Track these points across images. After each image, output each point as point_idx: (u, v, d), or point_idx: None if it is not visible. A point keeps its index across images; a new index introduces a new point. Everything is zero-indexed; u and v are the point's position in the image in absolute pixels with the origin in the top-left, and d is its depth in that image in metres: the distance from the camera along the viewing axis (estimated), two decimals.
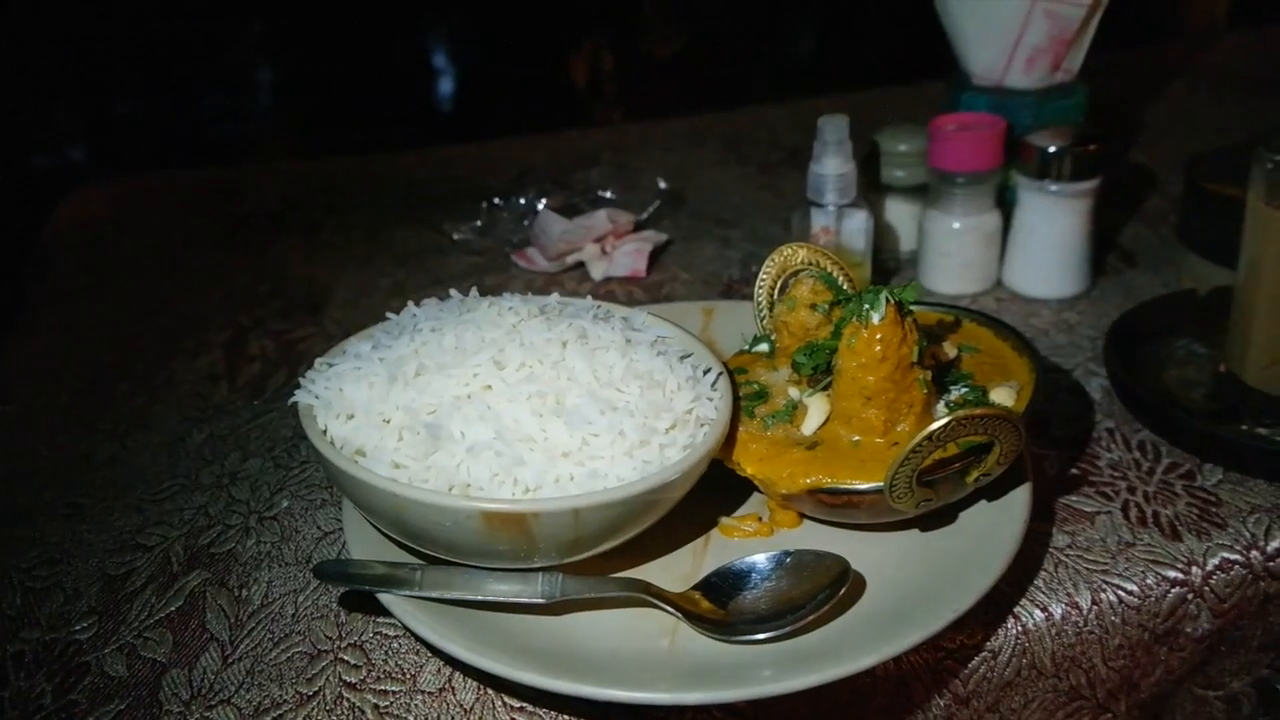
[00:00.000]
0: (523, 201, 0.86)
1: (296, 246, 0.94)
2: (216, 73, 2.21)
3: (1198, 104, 1.11)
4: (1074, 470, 0.59)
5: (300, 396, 0.50)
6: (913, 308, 0.59)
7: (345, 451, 0.47)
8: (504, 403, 0.48)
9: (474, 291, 0.59)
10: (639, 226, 0.88)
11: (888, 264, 0.82)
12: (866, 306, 0.49)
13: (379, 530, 0.51)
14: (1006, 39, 0.73)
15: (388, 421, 0.48)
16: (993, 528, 0.50)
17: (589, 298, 0.59)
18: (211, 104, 2.25)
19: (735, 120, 1.18)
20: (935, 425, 0.44)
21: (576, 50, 2.56)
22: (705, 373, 0.54)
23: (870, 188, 0.82)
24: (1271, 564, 0.52)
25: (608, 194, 0.88)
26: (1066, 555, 0.52)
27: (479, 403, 0.48)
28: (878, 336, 0.49)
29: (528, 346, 0.51)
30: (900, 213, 0.81)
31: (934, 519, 0.51)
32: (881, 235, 0.82)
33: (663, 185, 0.91)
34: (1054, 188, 0.72)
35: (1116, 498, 0.56)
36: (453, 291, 0.58)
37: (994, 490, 0.51)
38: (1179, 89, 1.15)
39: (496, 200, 0.87)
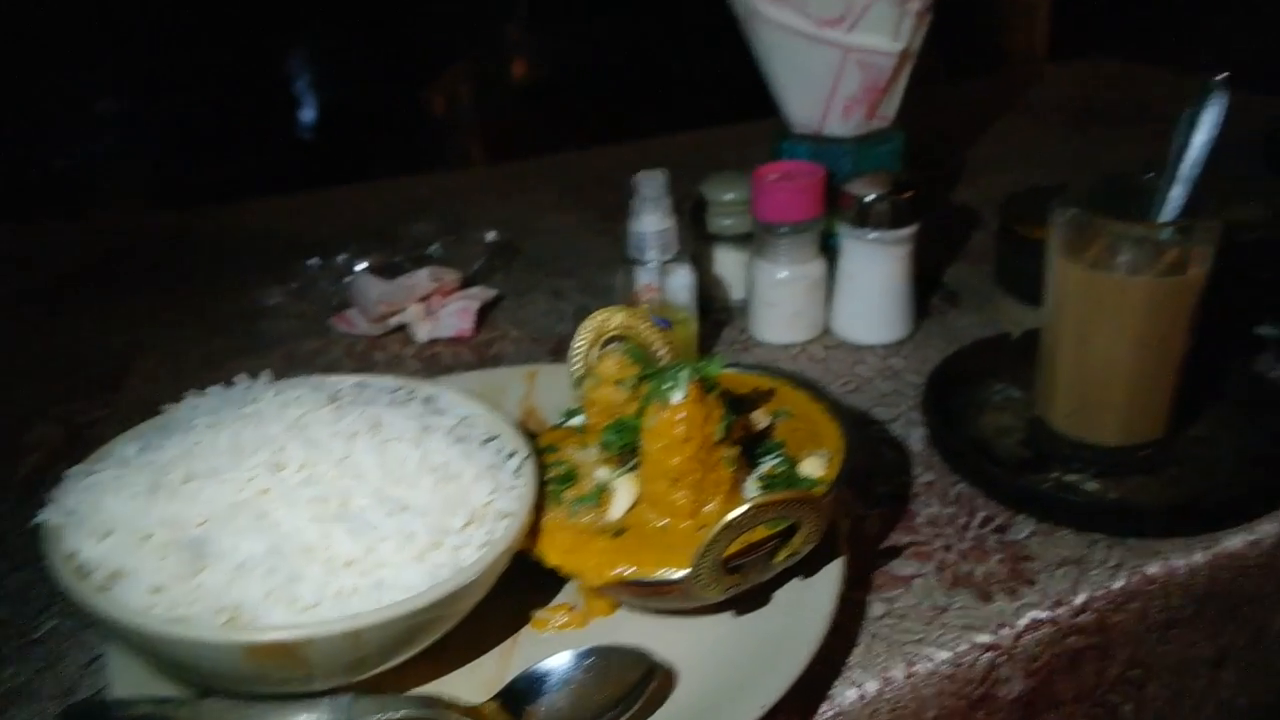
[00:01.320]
0: (340, 260, 0.82)
1: (91, 313, 0.87)
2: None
3: (1021, 137, 1.15)
4: (894, 530, 0.58)
5: (48, 515, 0.45)
6: (730, 371, 0.59)
7: (99, 576, 0.43)
8: (282, 509, 0.44)
9: (260, 380, 0.54)
10: (468, 282, 0.84)
11: (719, 315, 0.81)
12: (667, 386, 0.47)
13: None
14: (822, 89, 0.73)
15: (149, 538, 0.44)
16: (805, 607, 0.48)
17: (390, 378, 0.56)
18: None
19: (581, 161, 1.16)
20: (733, 514, 0.43)
21: (434, 83, 2.51)
22: (510, 457, 0.51)
23: (699, 237, 0.81)
24: (1078, 619, 0.53)
25: (434, 249, 0.85)
26: (882, 626, 0.52)
27: (253, 511, 0.44)
28: (679, 417, 0.47)
29: (311, 443, 0.47)
30: (730, 262, 0.80)
31: (749, 600, 0.50)
32: (712, 285, 0.81)
33: (491, 237, 0.88)
34: (873, 235, 0.72)
35: (932, 558, 0.56)
36: (262, 374, 0.54)
37: (808, 565, 0.50)
38: (1003, 123, 1.19)
39: (314, 260, 0.83)
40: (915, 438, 0.66)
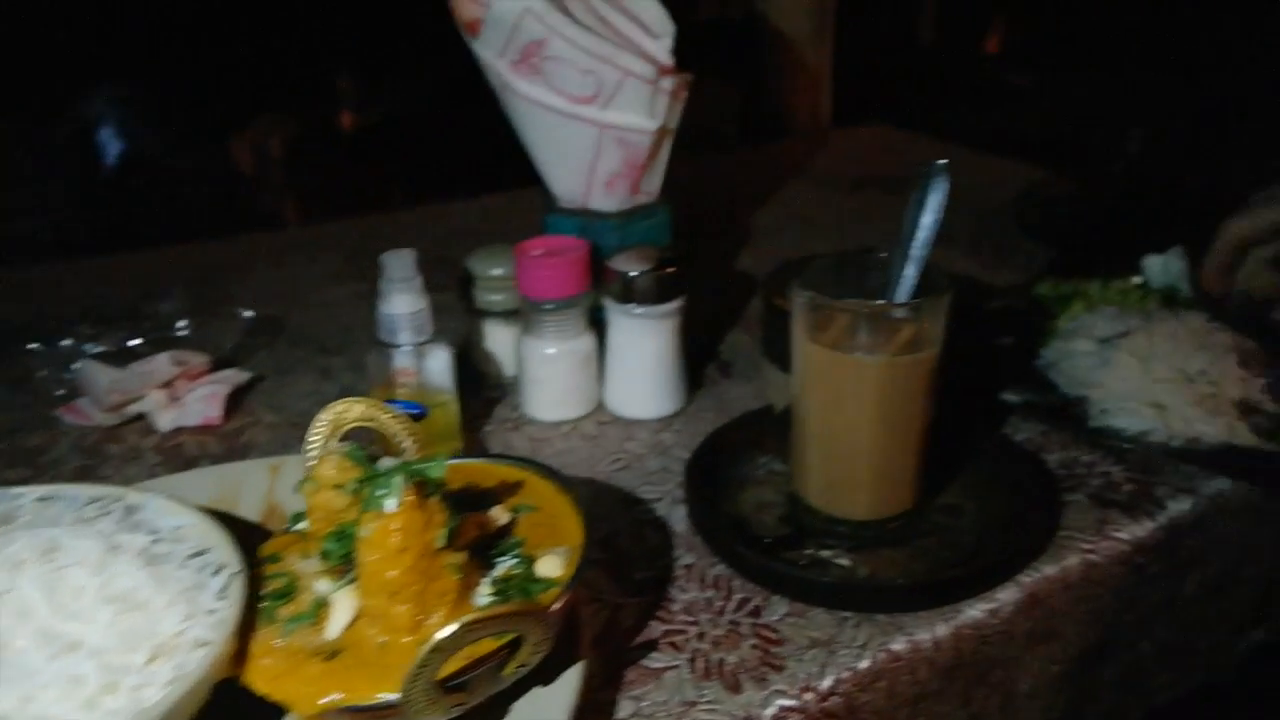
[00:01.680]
0: (65, 345, 0.75)
1: None
2: None
3: (802, 202, 1.19)
4: (651, 619, 0.57)
5: None
6: (475, 463, 0.56)
7: None
8: None
9: None
10: (221, 364, 0.79)
11: (491, 393, 0.78)
12: (380, 492, 0.44)
13: None
14: (582, 164, 0.73)
15: None
16: (541, 718, 0.46)
17: (87, 486, 0.51)
18: None
19: (365, 227, 1.12)
20: (439, 636, 0.40)
21: (239, 135, 2.39)
22: (216, 574, 0.47)
23: (469, 312, 0.78)
24: (826, 703, 0.52)
25: (181, 329, 0.79)
26: None
27: None
28: (394, 526, 0.44)
29: None
30: (500, 338, 0.78)
31: (484, 713, 0.47)
32: (483, 362, 0.79)
33: (248, 314, 0.83)
34: (638, 310, 0.72)
35: (686, 648, 0.54)
36: None
37: (546, 672, 0.47)
38: (787, 189, 1.23)
39: (34, 346, 0.76)
40: (678, 517, 0.65)
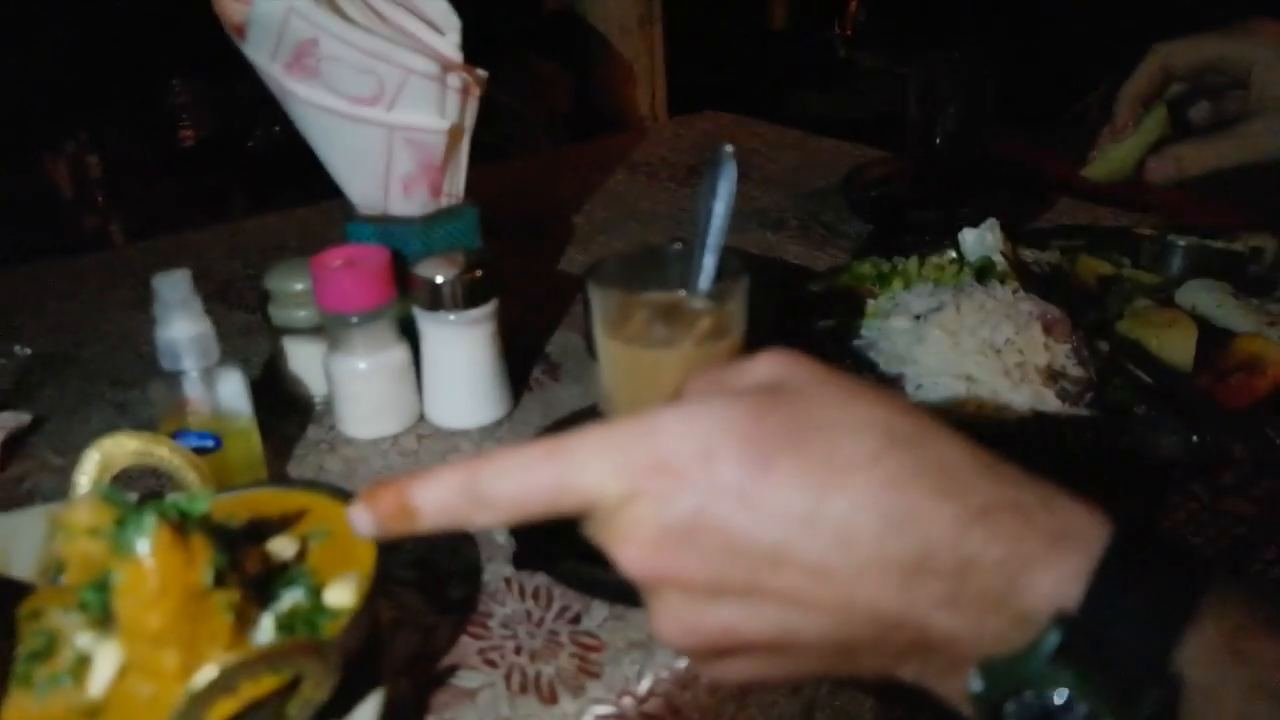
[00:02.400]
0: None
1: None
2: None
3: (635, 196, 1.18)
4: (465, 636, 0.54)
5: None
6: (262, 492, 0.53)
7: None
8: None
9: None
10: None
11: (301, 415, 0.74)
12: (130, 534, 0.41)
13: None
14: (375, 169, 0.70)
15: None
16: None
17: None
18: None
19: (165, 248, 1.06)
20: (195, 686, 0.37)
21: (54, 154, 2.24)
22: None
23: (271, 331, 0.74)
24: (645, 705, 0.51)
25: None
26: None
27: None
28: (150, 568, 0.41)
29: None
30: (307, 356, 0.74)
31: None
32: (290, 383, 0.75)
33: (23, 351, 0.76)
34: (450, 317, 0.69)
35: (502, 663, 0.52)
36: None
37: (342, 704, 0.45)
38: (619, 183, 1.22)
39: None
40: (500, 531, 0.62)
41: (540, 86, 1.80)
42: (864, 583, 0.34)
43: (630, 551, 0.37)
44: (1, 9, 1.82)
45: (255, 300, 0.91)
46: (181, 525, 0.42)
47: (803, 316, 0.80)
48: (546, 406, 0.76)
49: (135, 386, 0.79)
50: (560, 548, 0.59)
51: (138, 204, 2.23)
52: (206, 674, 0.37)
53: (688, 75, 1.84)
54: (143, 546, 0.40)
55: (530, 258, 1.02)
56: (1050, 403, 0.68)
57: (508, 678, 0.52)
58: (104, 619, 0.44)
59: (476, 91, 0.69)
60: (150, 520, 0.41)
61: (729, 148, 0.58)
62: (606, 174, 1.24)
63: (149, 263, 1.02)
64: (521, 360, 0.79)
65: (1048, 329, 0.73)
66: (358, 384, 0.70)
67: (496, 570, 0.59)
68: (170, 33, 2.15)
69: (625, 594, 0.56)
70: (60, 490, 0.67)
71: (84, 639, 0.44)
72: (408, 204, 0.72)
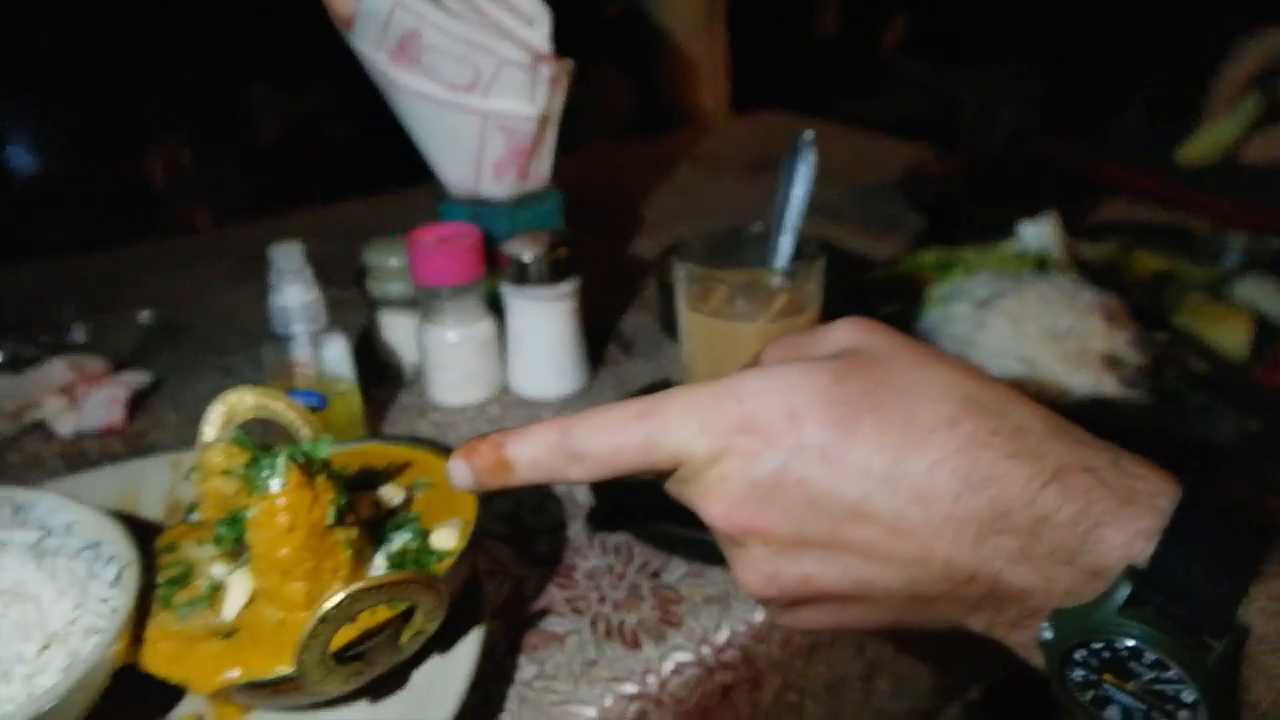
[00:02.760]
0: None
1: None
2: None
3: (699, 189, 1.21)
4: (552, 586, 0.58)
5: None
6: (370, 445, 0.57)
7: None
8: None
9: None
10: (120, 368, 0.78)
11: (394, 382, 0.79)
12: (264, 474, 0.45)
13: None
14: (469, 153, 0.74)
15: None
16: (442, 684, 0.47)
17: None
18: None
19: (260, 231, 1.11)
20: (325, 607, 0.41)
21: (152, 150, 2.34)
22: (108, 564, 0.47)
23: (368, 303, 0.79)
24: (723, 655, 0.54)
25: (76, 335, 0.78)
26: (533, 689, 0.51)
27: None
28: (281, 504, 0.45)
29: None
30: (399, 327, 0.79)
31: (386, 683, 0.48)
32: (385, 352, 0.80)
33: (145, 318, 0.82)
34: (535, 292, 0.73)
35: (587, 612, 0.56)
36: None
37: (445, 640, 0.49)
38: (684, 176, 1.25)
39: None
40: (582, 491, 0.66)
41: (600, 94, 1.84)
42: (940, 538, 0.36)
43: (717, 506, 0.39)
44: (107, 18, 1.92)
45: (347, 277, 0.96)
46: (308, 468, 0.46)
47: (866, 302, 0.83)
48: (621, 381, 0.80)
49: (239, 353, 0.85)
50: (641, 507, 0.63)
51: (222, 197, 2.33)
52: (336, 597, 0.41)
53: (739, 77, 1.87)
54: (276, 485, 0.45)
55: (602, 244, 1.06)
56: (1109, 388, 0.71)
57: (593, 624, 0.55)
58: (235, 551, 0.49)
59: (564, 81, 0.73)
60: (283, 461, 0.45)
61: (809, 134, 0.61)
62: (672, 168, 1.27)
63: (248, 243, 1.08)
64: (597, 338, 0.83)
65: (1107, 317, 0.75)
66: (448, 354, 0.75)
67: (580, 527, 0.63)
68: (249, 40, 2.25)
69: (703, 552, 0.60)
70: (177, 443, 0.72)
71: (218, 569, 0.49)
72: (497, 186, 0.76)
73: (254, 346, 0.86)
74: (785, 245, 0.61)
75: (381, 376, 0.79)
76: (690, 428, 0.39)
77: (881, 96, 2.30)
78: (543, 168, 0.77)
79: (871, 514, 0.37)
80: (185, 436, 0.73)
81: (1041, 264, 0.82)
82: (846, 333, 0.42)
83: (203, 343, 0.86)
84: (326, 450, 0.47)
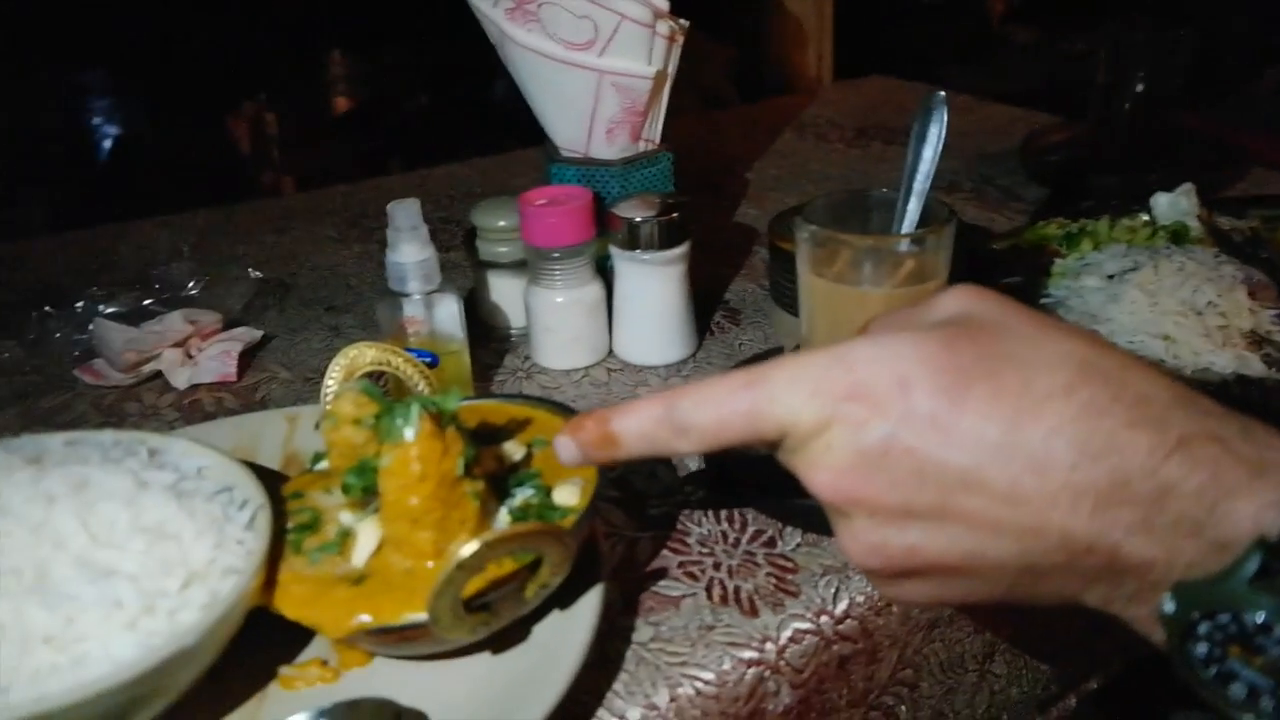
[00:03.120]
0: (79, 307, 0.76)
1: None
2: None
3: (804, 155, 1.19)
4: (666, 550, 0.58)
5: None
6: (489, 402, 0.57)
7: None
8: None
9: None
10: (232, 323, 0.80)
11: (500, 344, 0.79)
12: (398, 423, 0.45)
13: None
14: (582, 112, 0.73)
15: None
16: (563, 640, 0.47)
17: (109, 432, 0.52)
18: None
19: (361, 193, 1.13)
20: (462, 554, 0.41)
21: (236, 114, 2.40)
22: (242, 508, 0.48)
23: (475, 265, 0.79)
24: (841, 626, 0.53)
25: (191, 290, 0.80)
26: (649, 650, 0.51)
27: None
28: (414, 454, 0.45)
29: (2, 511, 0.42)
30: (507, 289, 0.79)
31: (507, 637, 0.48)
32: (491, 313, 0.80)
33: (255, 274, 0.83)
34: (645, 256, 0.72)
35: (703, 577, 0.56)
36: None
37: (566, 597, 0.49)
38: (788, 142, 1.23)
39: (49, 309, 0.76)
40: (695, 458, 0.66)
41: (698, 62, 1.82)
42: (1057, 508, 0.35)
43: (824, 476, 0.39)
44: None
45: (450, 238, 0.96)
46: (438, 419, 0.46)
47: (987, 273, 0.80)
48: (728, 349, 0.78)
49: (346, 312, 0.86)
50: (753, 475, 0.62)
51: (305, 162, 2.37)
52: (471, 545, 0.41)
53: (842, 42, 1.83)
54: (409, 434, 0.45)
55: (708, 210, 1.04)
56: (1255, 367, 0.67)
57: (709, 589, 0.55)
58: (363, 500, 0.49)
59: (680, 39, 0.72)
60: (416, 411, 0.45)
61: (941, 94, 0.59)
62: (776, 134, 1.25)
63: (349, 204, 1.10)
64: (704, 305, 0.82)
65: (1253, 293, 0.71)
66: (555, 316, 0.74)
67: (692, 493, 0.62)
68: (329, 10, 2.28)
69: (817, 522, 0.58)
70: (289, 399, 0.73)
71: (347, 516, 0.49)
72: (609, 148, 0.75)
73: (359, 306, 0.87)
74: (913, 209, 0.59)
75: (487, 339, 0.79)
76: (798, 396, 0.38)
77: (988, 65, 2.23)
78: (655, 129, 0.76)
79: (982, 483, 0.36)
80: (296, 391, 0.75)
81: (1177, 237, 0.79)
82: (957, 300, 0.41)
83: (310, 300, 0.87)
84: (455, 403, 0.47)
